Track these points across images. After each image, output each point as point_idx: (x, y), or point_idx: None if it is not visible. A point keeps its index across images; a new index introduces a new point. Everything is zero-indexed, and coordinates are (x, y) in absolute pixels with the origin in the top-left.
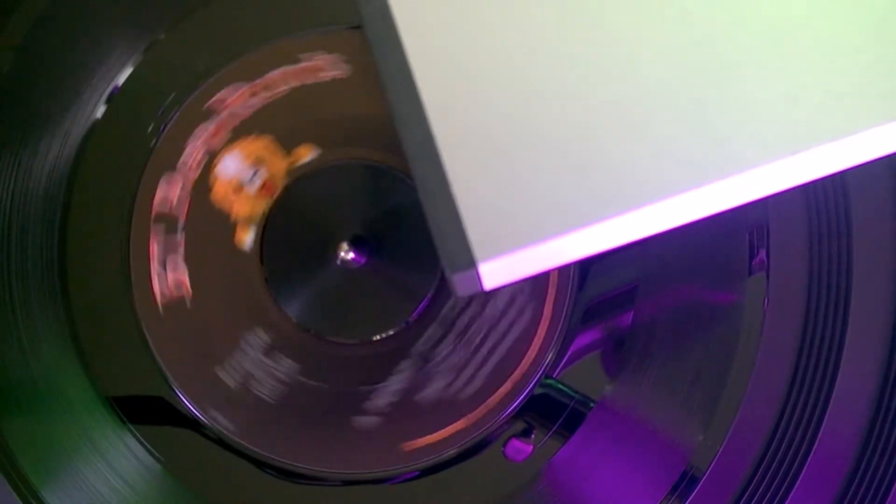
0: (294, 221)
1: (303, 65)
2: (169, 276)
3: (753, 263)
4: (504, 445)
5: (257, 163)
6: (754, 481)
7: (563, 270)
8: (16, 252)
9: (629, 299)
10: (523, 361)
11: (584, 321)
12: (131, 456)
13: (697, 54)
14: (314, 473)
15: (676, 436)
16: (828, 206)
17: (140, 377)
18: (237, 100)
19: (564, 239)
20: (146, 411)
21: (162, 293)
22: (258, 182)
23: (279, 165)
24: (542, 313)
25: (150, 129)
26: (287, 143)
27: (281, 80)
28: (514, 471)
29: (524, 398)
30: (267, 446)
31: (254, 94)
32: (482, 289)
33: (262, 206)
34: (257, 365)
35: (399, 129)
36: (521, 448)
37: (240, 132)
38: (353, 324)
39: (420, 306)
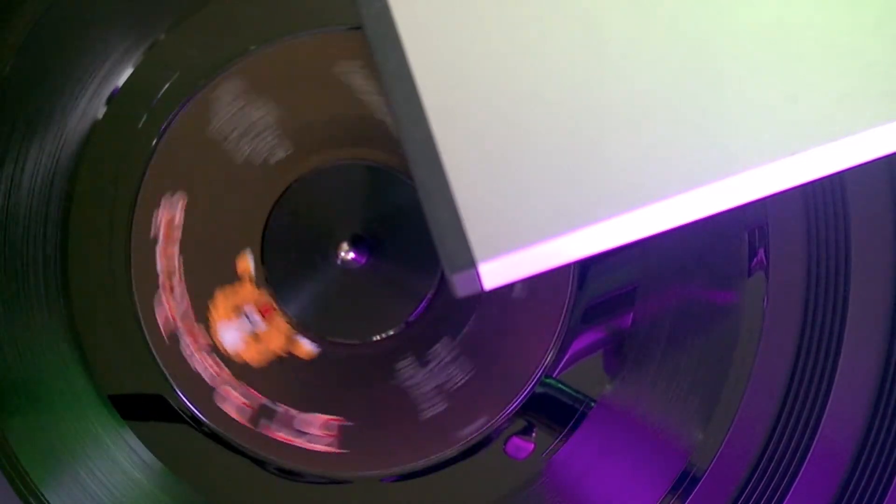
0: (294, 221)
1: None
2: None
3: (752, 263)
4: (505, 443)
5: None
6: (754, 480)
7: (562, 270)
8: (17, 251)
9: (629, 299)
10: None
11: (584, 321)
12: (132, 454)
13: (697, 55)
14: (314, 472)
15: (676, 435)
16: (826, 205)
17: (140, 376)
18: None
19: (564, 239)
20: (146, 410)
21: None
22: None
23: None
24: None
25: (150, 129)
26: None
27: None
28: (515, 470)
29: (524, 397)
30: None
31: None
32: (482, 289)
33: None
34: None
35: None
36: (521, 446)
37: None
38: (353, 324)
39: (420, 306)
